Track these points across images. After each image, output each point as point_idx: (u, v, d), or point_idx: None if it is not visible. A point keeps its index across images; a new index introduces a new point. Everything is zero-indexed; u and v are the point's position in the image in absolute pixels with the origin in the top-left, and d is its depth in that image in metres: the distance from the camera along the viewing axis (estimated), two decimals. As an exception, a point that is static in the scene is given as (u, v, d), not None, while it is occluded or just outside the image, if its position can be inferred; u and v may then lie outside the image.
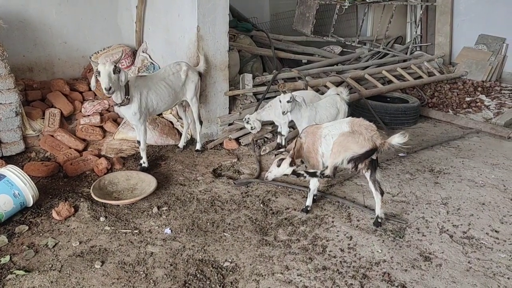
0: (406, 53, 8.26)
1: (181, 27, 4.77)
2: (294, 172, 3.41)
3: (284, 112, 4.04)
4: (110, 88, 3.60)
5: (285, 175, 3.40)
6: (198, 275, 2.91)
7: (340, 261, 3.10)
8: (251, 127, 4.65)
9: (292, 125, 4.67)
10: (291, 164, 3.29)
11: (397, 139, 3.20)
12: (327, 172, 3.32)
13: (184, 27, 4.72)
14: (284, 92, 4.10)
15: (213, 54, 4.73)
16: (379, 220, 3.50)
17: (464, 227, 3.55)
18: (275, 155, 3.45)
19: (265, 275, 2.95)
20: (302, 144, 3.44)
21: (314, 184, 3.59)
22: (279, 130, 4.78)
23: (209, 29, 4.61)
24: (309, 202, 3.67)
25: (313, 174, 3.44)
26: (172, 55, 4.97)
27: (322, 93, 5.09)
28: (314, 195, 3.69)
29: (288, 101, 4.01)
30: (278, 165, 3.32)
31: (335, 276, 2.96)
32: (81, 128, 4.72)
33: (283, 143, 4.74)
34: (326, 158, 3.41)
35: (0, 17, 4.48)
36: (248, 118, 4.66)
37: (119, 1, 5.65)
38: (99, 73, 3.61)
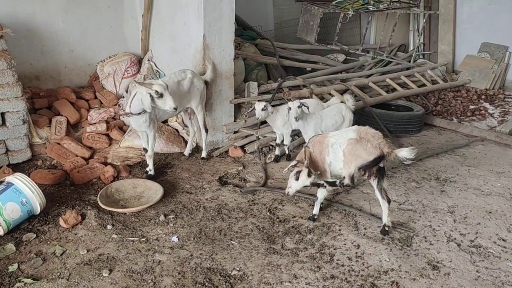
0: (409, 61, 8.28)
1: (187, 36, 4.80)
2: (314, 184, 3.39)
3: (296, 117, 4.09)
4: (176, 108, 3.80)
5: (305, 186, 3.36)
6: (206, 284, 2.91)
7: (348, 270, 3.10)
8: (264, 107, 4.31)
9: (292, 135, 4.68)
10: (309, 175, 3.26)
11: (404, 153, 3.21)
12: (346, 181, 3.32)
13: (190, 36, 4.75)
14: (290, 100, 4.13)
15: (219, 62, 4.75)
16: (386, 229, 3.49)
17: (471, 236, 3.55)
18: (288, 169, 3.42)
19: (274, 283, 2.94)
20: (311, 154, 3.45)
21: (322, 193, 3.59)
22: (277, 141, 4.75)
23: (215, 37, 4.64)
24: (316, 210, 3.67)
25: (332, 184, 3.43)
26: (178, 63, 4.99)
27: (327, 101, 5.10)
28: (321, 204, 3.69)
29: (298, 106, 4.06)
30: (297, 178, 3.28)
31: (344, 285, 2.95)
32: (87, 136, 4.73)
33: (287, 152, 4.72)
34: (333, 167, 3.41)
35: (7, 26, 4.51)
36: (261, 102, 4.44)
37: (125, 10, 5.69)
38: (161, 95, 3.68)
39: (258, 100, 4.47)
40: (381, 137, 3.33)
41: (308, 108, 4.18)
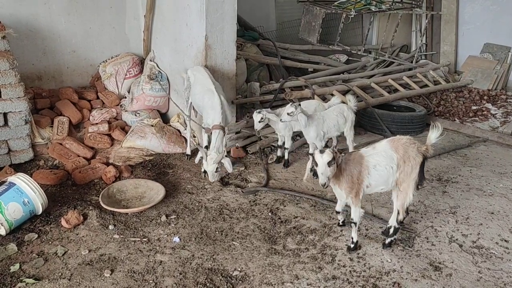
0: (412, 62, 8.27)
1: (189, 36, 4.81)
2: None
3: (281, 120, 4.12)
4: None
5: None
6: (207, 284, 2.91)
7: (350, 271, 3.10)
8: (261, 118, 4.27)
9: (294, 135, 4.67)
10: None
11: (434, 136, 3.16)
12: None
13: (192, 36, 4.76)
14: (292, 101, 4.12)
15: (221, 63, 4.76)
16: (390, 231, 3.46)
17: (473, 237, 3.54)
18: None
19: (275, 284, 2.94)
20: (341, 169, 3.11)
21: (357, 216, 3.22)
22: (279, 143, 4.73)
23: (217, 38, 4.64)
24: (355, 236, 3.29)
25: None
26: (180, 63, 5.00)
27: (328, 101, 5.09)
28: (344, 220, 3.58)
29: (288, 113, 4.04)
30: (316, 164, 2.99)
31: (345, 286, 2.95)
32: (89, 136, 4.74)
33: (286, 157, 4.68)
34: (373, 188, 3.21)
35: (10, 26, 4.52)
36: (261, 110, 4.36)
37: (127, 10, 5.70)
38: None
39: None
40: (413, 140, 3.22)
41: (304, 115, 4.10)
